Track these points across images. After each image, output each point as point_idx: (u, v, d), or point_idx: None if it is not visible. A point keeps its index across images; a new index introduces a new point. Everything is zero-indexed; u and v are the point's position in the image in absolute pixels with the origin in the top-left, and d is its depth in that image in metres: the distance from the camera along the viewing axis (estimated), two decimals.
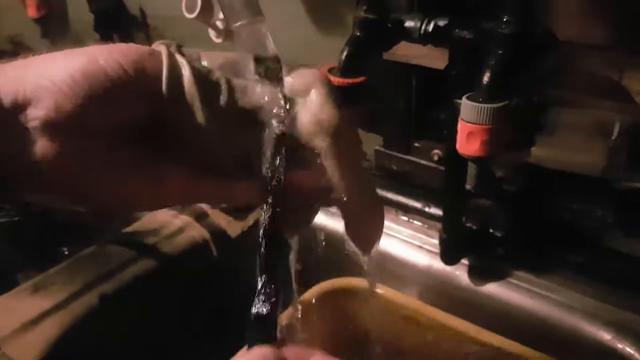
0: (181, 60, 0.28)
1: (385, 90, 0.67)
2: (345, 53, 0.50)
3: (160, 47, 0.28)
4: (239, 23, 0.32)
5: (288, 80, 0.31)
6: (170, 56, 0.28)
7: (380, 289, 0.67)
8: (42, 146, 0.25)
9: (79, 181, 0.27)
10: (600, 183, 0.56)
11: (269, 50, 0.32)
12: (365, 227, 0.33)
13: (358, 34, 0.50)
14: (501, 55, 0.42)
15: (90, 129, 0.26)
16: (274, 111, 0.29)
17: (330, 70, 0.50)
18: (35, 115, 0.25)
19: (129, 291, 0.62)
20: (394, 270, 0.69)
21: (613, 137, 0.55)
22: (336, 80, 0.49)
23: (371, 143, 0.74)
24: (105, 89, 0.26)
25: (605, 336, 0.56)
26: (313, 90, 0.30)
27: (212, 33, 0.70)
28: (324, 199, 0.31)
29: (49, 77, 0.25)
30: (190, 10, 0.64)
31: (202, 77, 0.28)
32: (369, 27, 0.50)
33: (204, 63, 0.30)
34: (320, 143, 0.29)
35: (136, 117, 0.28)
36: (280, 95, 0.30)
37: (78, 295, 0.60)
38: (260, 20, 0.32)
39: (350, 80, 0.49)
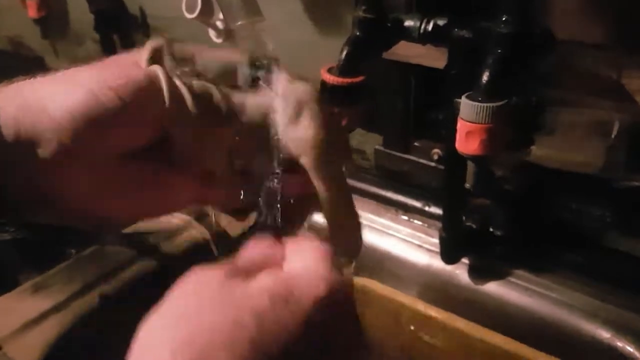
0: (178, 83, 0.28)
1: (385, 89, 0.67)
2: (344, 53, 0.50)
3: (157, 70, 0.28)
4: (238, 23, 0.32)
5: (282, 89, 0.31)
6: (169, 81, 0.28)
7: (380, 288, 0.67)
8: (47, 179, 0.26)
9: (87, 205, 0.28)
10: (599, 182, 0.57)
11: (267, 50, 0.33)
12: (345, 239, 0.34)
13: (357, 33, 0.50)
14: (500, 54, 0.42)
15: (94, 159, 0.27)
16: (270, 127, 0.31)
17: (329, 70, 0.50)
18: (38, 151, 0.26)
19: (129, 291, 0.62)
20: (393, 270, 0.70)
21: (612, 136, 0.55)
22: (335, 80, 0.49)
23: (371, 142, 0.74)
24: (105, 124, 0.26)
25: (605, 335, 0.56)
26: (304, 110, 0.30)
27: (212, 33, 0.70)
28: (314, 203, 0.33)
29: (49, 114, 0.26)
30: (191, 10, 0.64)
31: (201, 100, 0.29)
32: (368, 27, 0.50)
33: (197, 60, 0.30)
34: (306, 160, 0.31)
35: (139, 141, 0.28)
36: (275, 111, 0.30)
37: (78, 295, 0.60)
38: (260, 20, 0.32)
39: (349, 80, 0.49)
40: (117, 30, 0.91)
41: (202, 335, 0.23)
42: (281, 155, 0.31)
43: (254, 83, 0.32)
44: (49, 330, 0.57)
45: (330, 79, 0.49)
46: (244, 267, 0.26)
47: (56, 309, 0.59)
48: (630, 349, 0.55)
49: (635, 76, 0.52)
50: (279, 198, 0.32)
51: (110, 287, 0.62)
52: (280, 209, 0.31)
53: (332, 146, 0.31)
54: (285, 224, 0.32)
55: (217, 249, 0.67)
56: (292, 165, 0.31)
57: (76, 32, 1.04)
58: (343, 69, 0.49)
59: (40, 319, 0.58)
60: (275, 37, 0.36)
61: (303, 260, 0.27)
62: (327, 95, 0.50)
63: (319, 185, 0.31)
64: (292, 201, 0.33)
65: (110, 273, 0.63)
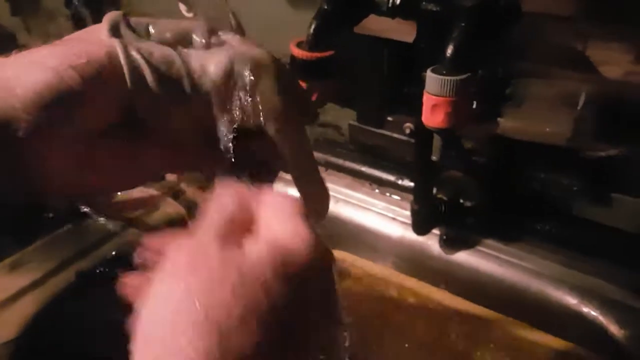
0: (138, 58, 0.29)
1: (357, 64, 0.67)
2: (313, 27, 0.49)
3: (116, 45, 0.29)
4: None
5: (240, 54, 0.31)
6: (128, 56, 0.28)
7: (357, 262, 0.69)
8: (22, 158, 0.27)
9: (63, 181, 0.29)
10: (566, 153, 0.58)
11: (230, 24, 0.33)
12: (312, 198, 0.36)
13: (326, 7, 0.50)
14: (464, 27, 0.42)
15: (67, 137, 0.28)
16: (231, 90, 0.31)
17: (298, 45, 0.50)
18: (10, 132, 0.26)
19: (105, 268, 0.62)
20: (369, 242, 0.71)
21: (579, 108, 0.56)
22: (304, 54, 0.49)
23: (345, 118, 0.75)
24: (71, 102, 0.27)
25: (571, 300, 0.58)
26: (263, 77, 0.31)
27: (182, 7, 0.70)
28: (280, 164, 0.34)
29: (17, 96, 0.26)
30: None
31: (162, 71, 0.29)
32: (337, 1, 0.50)
33: (152, 30, 0.31)
34: (270, 127, 0.32)
35: (107, 116, 0.29)
36: (236, 72, 0.31)
37: (55, 272, 0.61)
38: None
39: (318, 55, 0.49)
40: (89, 6, 0.90)
41: (218, 315, 0.23)
42: (245, 119, 0.31)
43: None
44: (27, 307, 0.58)
45: (299, 53, 0.49)
46: (228, 230, 0.26)
47: (33, 285, 0.59)
48: (595, 313, 0.57)
49: (601, 47, 0.52)
50: (245, 160, 0.32)
51: (87, 264, 0.62)
52: (248, 171, 0.32)
53: (292, 109, 0.32)
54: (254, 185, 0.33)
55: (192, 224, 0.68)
56: (258, 128, 0.32)
57: (47, 9, 1.02)
58: (312, 44, 0.49)
59: (17, 296, 0.58)
60: (246, 11, 0.36)
61: (282, 221, 0.27)
62: (296, 70, 0.50)
63: (283, 147, 0.32)
64: (258, 163, 0.34)
65: (87, 250, 0.64)
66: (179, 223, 0.68)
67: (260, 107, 0.31)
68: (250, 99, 0.31)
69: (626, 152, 0.56)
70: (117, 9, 0.32)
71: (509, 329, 0.59)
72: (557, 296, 0.59)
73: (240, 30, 0.34)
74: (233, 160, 0.32)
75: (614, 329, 0.55)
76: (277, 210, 0.28)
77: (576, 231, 0.62)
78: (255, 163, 0.34)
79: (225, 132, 0.31)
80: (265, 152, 0.33)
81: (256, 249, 0.25)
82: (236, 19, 0.34)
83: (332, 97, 0.58)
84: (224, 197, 0.28)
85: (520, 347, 0.58)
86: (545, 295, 0.60)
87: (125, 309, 0.25)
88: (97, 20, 0.31)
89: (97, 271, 0.61)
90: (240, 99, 0.31)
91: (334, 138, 0.79)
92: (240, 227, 0.27)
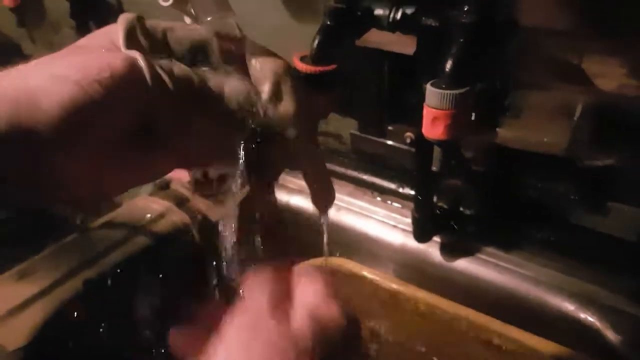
0: (160, 71, 0.29)
1: (359, 76, 0.68)
2: (316, 42, 0.51)
3: (137, 57, 0.29)
4: (208, 18, 0.33)
5: (253, 66, 0.33)
6: (151, 69, 0.29)
7: (359, 269, 0.70)
8: (41, 166, 0.27)
9: (78, 187, 0.30)
10: (564, 162, 0.59)
11: (236, 33, 0.34)
12: (321, 192, 0.39)
13: (328, 22, 0.51)
14: (462, 43, 0.43)
15: (86, 147, 0.28)
16: (248, 104, 0.32)
17: (302, 59, 0.51)
18: (34, 145, 0.27)
19: (112, 277, 0.63)
20: (370, 250, 0.72)
21: (575, 118, 0.57)
22: (308, 68, 0.50)
23: (347, 127, 0.76)
24: (93, 114, 0.28)
25: (569, 307, 0.59)
26: (283, 86, 0.32)
27: (187, 21, 0.71)
28: (288, 164, 0.38)
29: (42, 110, 0.27)
30: None
31: (182, 84, 0.30)
32: (339, 16, 0.51)
33: (169, 37, 0.32)
34: (291, 131, 0.34)
35: (126, 125, 0.30)
36: (252, 92, 0.32)
37: (62, 281, 0.61)
38: (229, 15, 0.34)
39: (321, 68, 0.50)
40: (93, 17, 0.91)
41: None
42: (261, 129, 0.33)
43: (227, 60, 0.33)
44: (35, 316, 0.58)
45: (303, 67, 0.51)
46: (274, 303, 0.33)
47: (41, 294, 0.60)
48: (592, 319, 0.58)
49: (596, 61, 0.54)
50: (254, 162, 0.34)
51: (94, 272, 0.63)
52: (256, 172, 0.35)
53: (309, 113, 0.35)
54: (261, 184, 0.36)
55: (197, 234, 0.69)
56: (271, 137, 0.34)
57: (52, 20, 1.03)
58: (315, 58, 0.50)
59: (25, 305, 0.59)
60: (250, 24, 0.37)
61: (315, 295, 0.34)
62: (300, 83, 0.51)
63: (300, 153, 0.35)
64: (266, 164, 0.36)
65: (94, 259, 0.64)
66: (184, 232, 0.69)
67: (282, 115, 0.32)
68: (271, 107, 0.32)
69: (622, 161, 0.57)
70: None
71: (509, 335, 0.60)
72: (555, 303, 0.60)
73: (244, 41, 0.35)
74: (244, 165, 0.33)
75: (611, 335, 0.56)
76: (309, 284, 0.34)
77: (574, 239, 0.63)
78: (263, 164, 0.36)
79: (244, 140, 0.32)
80: (273, 153, 0.35)
81: (300, 320, 0.32)
82: (240, 31, 0.36)
83: (334, 108, 0.59)
84: (264, 272, 0.34)
85: (518, 352, 0.59)
86: (543, 302, 0.61)
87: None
88: None
89: (105, 280, 0.62)
90: (260, 108, 0.32)
91: (335, 147, 0.80)
92: (281, 298, 0.33)
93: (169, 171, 0.35)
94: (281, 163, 0.38)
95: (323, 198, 0.40)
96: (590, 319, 0.58)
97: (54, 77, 0.28)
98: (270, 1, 0.72)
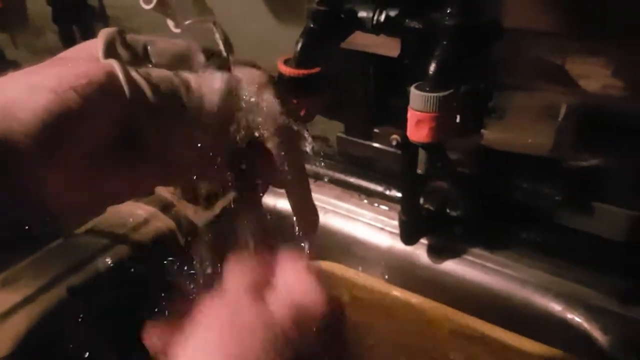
0: (137, 77, 0.29)
1: (345, 78, 0.68)
2: (299, 45, 0.51)
3: (115, 65, 0.29)
4: (187, 22, 0.33)
5: (241, 75, 0.32)
6: (128, 77, 0.29)
7: (347, 273, 0.69)
8: (19, 177, 0.27)
9: (58, 199, 0.29)
10: (549, 163, 0.59)
11: (219, 42, 0.34)
12: (305, 211, 0.38)
13: (312, 25, 0.51)
14: (446, 45, 0.43)
15: (64, 158, 0.28)
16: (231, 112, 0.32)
17: (285, 62, 0.51)
18: (10, 154, 0.26)
19: (97, 283, 0.62)
20: (358, 252, 0.72)
21: (560, 119, 0.57)
22: (291, 71, 0.50)
23: (333, 130, 0.76)
24: (70, 124, 0.27)
25: (556, 307, 0.59)
26: (265, 94, 0.32)
27: (170, 23, 0.70)
28: (272, 178, 0.36)
29: (18, 119, 0.26)
30: (147, 1, 0.64)
31: (161, 91, 0.30)
32: (322, 19, 0.51)
33: (149, 50, 0.31)
34: (273, 140, 0.33)
35: (106, 135, 0.29)
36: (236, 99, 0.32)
37: (46, 288, 0.61)
38: (209, 20, 0.33)
39: (305, 72, 0.50)
40: (76, 21, 0.90)
41: (250, 353, 0.28)
42: (246, 136, 0.32)
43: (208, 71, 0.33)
44: (19, 324, 0.57)
45: (287, 70, 0.50)
46: (254, 288, 0.31)
47: (25, 302, 0.59)
48: (579, 319, 0.58)
49: (580, 62, 0.54)
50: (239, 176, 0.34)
51: (79, 279, 0.62)
52: (242, 187, 0.34)
53: (292, 128, 0.34)
54: (246, 199, 0.36)
55: (183, 239, 0.68)
56: (257, 144, 0.33)
57: (35, 25, 1.02)
58: (299, 61, 0.50)
59: (9, 313, 0.58)
60: (235, 28, 0.37)
61: (298, 279, 0.32)
62: (284, 87, 0.51)
63: (282, 164, 0.34)
64: (251, 179, 0.36)
65: (78, 266, 0.63)
66: (169, 238, 0.68)
67: (262, 123, 0.32)
68: (251, 116, 0.32)
69: (607, 161, 0.57)
70: (105, 24, 0.32)
71: (496, 336, 0.60)
72: (542, 303, 0.60)
73: (228, 46, 0.35)
74: (230, 177, 0.33)
75: (598, 335, 0.56)
76: (291, 268, 0.33)
77: (560, 239, 0.63)
78: (248, 178, 0.35)
79: (225, 151, 0.32)
80: (259, 167, 0.35)
81: (279, 304, 0.30)
82: (224, 35, 0.35)
83: (319, 111, 0.59)
84: (246, 259, 0.33)
85: (506, 353, 0.59)
86: (530, 303, 0.61)
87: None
88: (86, 34, 0.32)
89: (89, 287, 0.61)
90: (240, 117, 0.32)
91: (322, 150, 0.80)
92: (263, 284, 0.32)
93: (153, 186, 0.34)
94: (264, 177, 0.37)
95: (306, 220, 0.38)
96: (577, 319, 0.58)
97: (30, 87, 0.27)
98: (254, 5, 0.71)
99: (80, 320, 0.59)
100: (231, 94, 0.31)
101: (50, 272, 0.63)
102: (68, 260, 0.64)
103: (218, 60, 0.33)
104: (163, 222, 0.69)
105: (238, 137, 0.32)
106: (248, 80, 0.32)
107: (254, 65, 0.34)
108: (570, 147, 0.58)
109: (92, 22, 0.91)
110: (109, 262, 0.63)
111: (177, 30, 0.70)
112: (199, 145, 0.32)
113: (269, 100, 0.32)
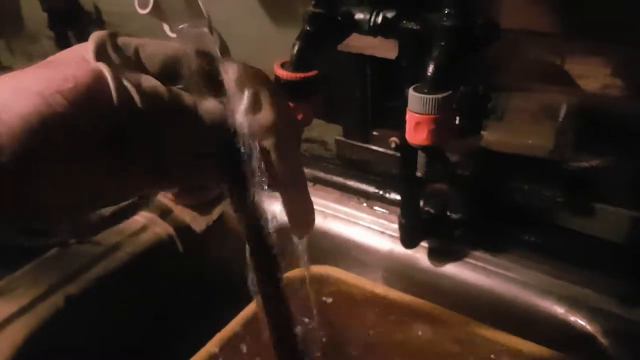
0: (127, 84, 0.29)
1: (342, 81, 0.68)
2: (296, 48, 0.50)
3: (104, 69, 0.28)
4: (180, 26, 0.32)
5: (230, 78, 0.32)
6: (116, 81, 0.28)
7: (347, 276, 0.69)
8: (6, 182, 0.26)
9: (47, 203, 0.28)
10: (549, 164, 0.59)
11: (214, 45, 0.33)
12: (299, 212, 0.36)
13: (308, 28, 0.50)
14: (443, 47, 0.43)
15: (51, 162, 0.27)
16: (223, 117, 0.31)
17: (282, 65, 0.51)
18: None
19: (94, 291, 0.62)
20: (358, 256, 0.71)
21: (559, 120, 0.57)
22: (289, 75, 0.50)
23: (332, 133, 0.75)
24: (57, 127, 0.27)
25: (559, 310, 0.59)
26: (261, 97, 0.31)
27: (166, 28, 0.70)
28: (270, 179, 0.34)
29: (3, 122, 0.26)
30: (143, 6, 0.64)
31: (150, 98, 0.29)
32: (319, 22, 0.50)
33: (140, 54, 0.31)
34: (269, 142, 0.32)
35: (93, 139, 0.29)
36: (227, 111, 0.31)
37: (43, 297, 0.60)
38: (202, 24, 0.33)
39: (302, 75, 0.50)
40: (72, 27, 0.90)
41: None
42: (241, 139, 0.31)
43: (202, 75, 0.32)
44: (16, 333, 0.57)
45: (284, 74, 0.50)
46: None
47: (21, 312, 0.59)
48: (582, 322, 0.57)
49: (578, 62, 0.54)
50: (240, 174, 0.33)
51: (76, 287, 0.62)
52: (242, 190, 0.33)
53: (289, 127, 0.33)
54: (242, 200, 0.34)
55: (181, 245, 0.68)
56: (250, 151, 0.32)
57: (30, 31, 1.01)
58: (295, 64, 0.50)
59: (5, 323, 0.57)
60: (231, 31, 0.36)
61: None
62: (280, 92, 0.50)
63: (279, 164, 0.33)
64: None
65: (75, 273, 0.63)
66: (167, 244, 0.68)
67: (261, 125, 0.31)
68: (248, 118, 0.31)
69: (607, 162, 0.57)
70: (101, 29, 0.32)
71: (497, 339, 0.59)
72: (545, 306, 0.60)
73: (224, 49, 0.35)
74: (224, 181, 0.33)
75: (600, 337, 0.56)
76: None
77: (562, 241, 0.62)
78: (243, 180, 0.34)
79: (219, 154, 0.31)
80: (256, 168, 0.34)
81: None
82: (220, 38, 0.35)
83: (316, 114, 0.59)
84: None
85: (508, 356, 0.58)
86: (533, 305, 0.60)
87: None
88: (81, 40, 0.31)
89: (86, 295, 0.61)
90: (237, 120, 0.31)
91: (320, 153, 0.80)
92: None
93: (143, 190, 0.33)
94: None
95: (301, 220, 0.36)
96: (580, 321, 0.58)
97: (16, 90, 0.27)
98: (250, 8, 0.71)
99: (77, 329, 0.59)
100: (224, 114, 0.31)
101: (47, 280, 0.62)
102: (65, 268, 0.63)
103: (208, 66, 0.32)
104: (161, 228, 0.69)
105: (232, 140, 0.31)
106: (244, 80, 0.31)
107: (250, 66, 0.33)
108: (570, 148, 0.58)
109: (87, 28, 0.90)
110: (107, 270, 0.63)
111: (173, 35, 0.70)
112: (189, 150, 0.31)
113: (266, 107, 0.31)
